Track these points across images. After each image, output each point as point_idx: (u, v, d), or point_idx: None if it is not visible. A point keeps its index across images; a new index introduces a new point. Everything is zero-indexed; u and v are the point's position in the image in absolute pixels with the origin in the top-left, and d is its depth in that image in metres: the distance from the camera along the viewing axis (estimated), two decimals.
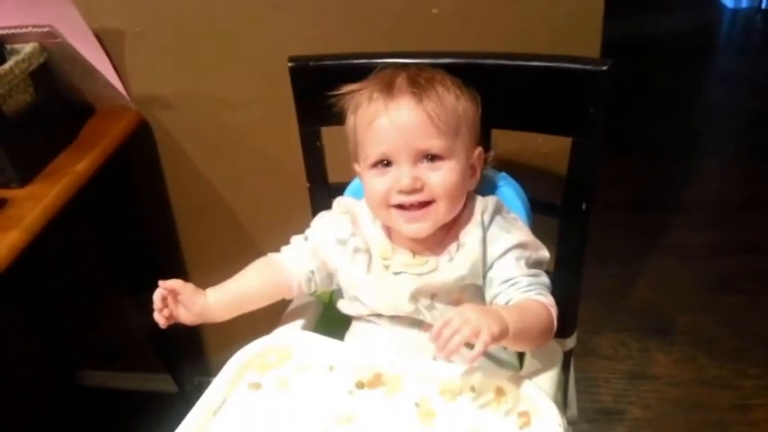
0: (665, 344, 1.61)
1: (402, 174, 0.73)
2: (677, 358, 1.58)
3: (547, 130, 0.82)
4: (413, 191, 0.73)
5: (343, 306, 0.84)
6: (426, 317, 0.77)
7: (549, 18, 0.97)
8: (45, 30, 1.02)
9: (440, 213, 0.75)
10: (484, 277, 0.77)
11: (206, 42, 1.12)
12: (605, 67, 0.77)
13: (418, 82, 0.74)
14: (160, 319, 0.79)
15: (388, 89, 0.74)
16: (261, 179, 1.23)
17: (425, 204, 0.75)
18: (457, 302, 0.77)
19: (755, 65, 3.06)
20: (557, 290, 0.92)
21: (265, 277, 0.83)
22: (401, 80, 0.75)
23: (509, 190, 0.85)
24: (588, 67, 0.78)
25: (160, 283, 0.79)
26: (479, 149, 0.79)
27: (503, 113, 0.86)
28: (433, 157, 0.74)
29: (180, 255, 1.37)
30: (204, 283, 1.42)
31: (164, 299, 0.79)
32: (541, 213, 0.88)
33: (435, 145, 0.73)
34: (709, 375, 1.53)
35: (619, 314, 1.71)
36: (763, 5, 3.53)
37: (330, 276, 0.84)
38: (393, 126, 0.73)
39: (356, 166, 0.81)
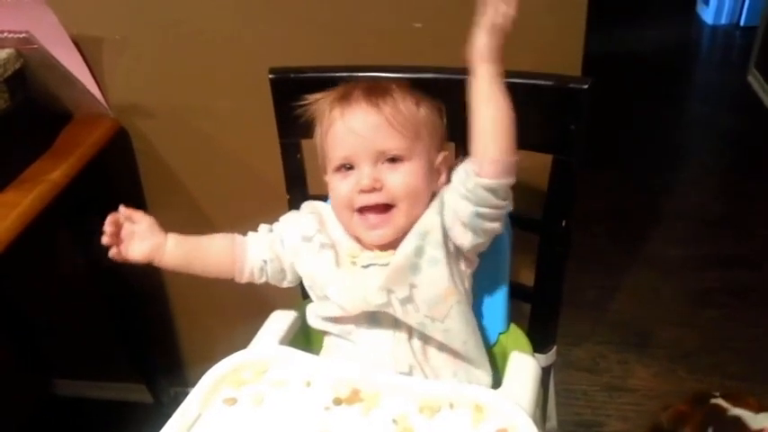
0: (644, 357, 1.63)
1: (362, 175, 0.75)
2: (656, 371, 1.59)
3: (527, 146, 0.82)
4: (372, 190, 0.75)
5: (314, 321, 0.83)
6: (398, 311, 0.76)
7: (531, 35, 0.97)
8: (22, 35, 1.00)
9: (400, 218, 0.76)
10: (443, 224, 0.77)
11: (186, 51, 1.11)
12: (586, 86, 0.77)
13: (375, 89, 0.77)
14: (110, 244, 0.81)
15: (346, 97, 0.77)
16: (240, 189, 1.22)
17: (385, 210, 0.76)
18: (441, 292, 0.76)
19: (735, 80, 3.11)
20: (536, 305, 0.92)
21: (225, 249, 0.85)
22: (358, 89, 0.78)
23: None
24: (569, 86, 0.78)
25: (120, 207, 0.82)
26: (445, 153, 0.80)
27: None
28: (393, 159, 0.76)
29: (156, 266, 1.35)
30: (183, 294, 1.41)
31: (116, 223, 0.81)
32: (522, 229, 0.88)
33: (393, 146, 0.75)
34: (687, 388, 1.53)
35: (599, 327, 1.72)
36: (742, 22, 3.60)
37: (282, 272, 0.85)
38: (351, 131, 0.75)
39: (325, 177, 0.83)
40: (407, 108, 0.77)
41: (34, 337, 1.56)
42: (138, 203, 1.27)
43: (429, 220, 0.76)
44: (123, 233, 0.82)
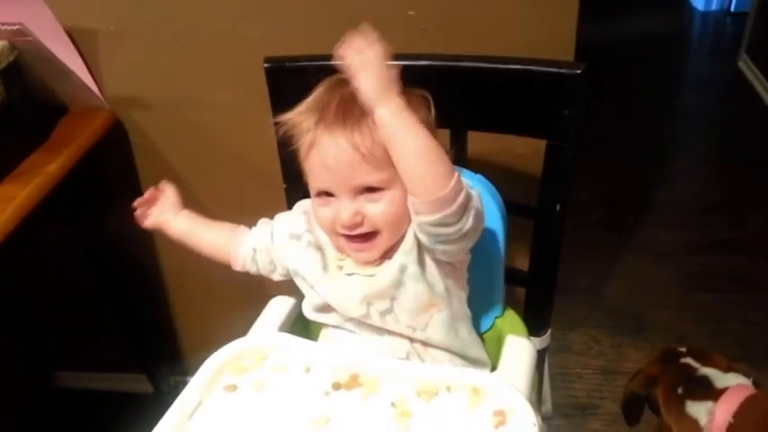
0: (638, 340, 1.64)
1: (342, 208, 0.73)
2: (650, 354, 1.60)
3: (522, 132, 0.83)
4: (353, 226, 0.73)
5: (310, 314, 0.84)
6: (377, 321, 0.77)
7: (525, 21, 0.98)
8: (15, 27, 1.00)
9: (384, 242, 0.75)
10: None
11: (181, 42, 1.11)
12: (579, 71, 0.78)
13: (351, 112, 0.71)
14: (139, 206, 0.90)
15: (321, 120, 0.72)
16: (237, 180, 1.23)
17: (369, 236, 0.74)
18: (421, 304, 0.76)
19: (725, 66, 3.12)
20: (531, 289, 0.94)
21: (224, 236, 0.89)
22: (334, 110, 0.72)
23: (484, 192, 0.85)
24: (562, 71, 0.79)
25: (162, 182, 0.91)
26: None
27: (478, 116, 0.87)
28: (372, 189, 0.73)
29: (154, 256, 1.36)
30: (181, 284, 1.41)
31: (155, 196, 0.90)
32: (517, 215, 0.89)
33: (372, 179, 0.72)
34: None
35: (593, 311, 1.73)
36: (732, 8, 3.61)
37: (272, 264, 0.87)
38: (326, 166, 0.72)
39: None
40: None
41: (34, 331, 1.56)
42: (135, 195, 1.27)
43: (410, 237, 0.75)
44: (157, 203, 0.90)
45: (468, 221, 0.70)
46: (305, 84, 0.79)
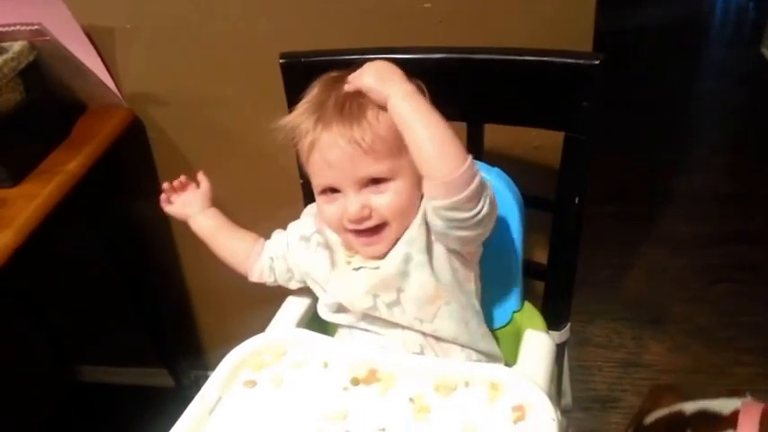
0: (658, 333, 1.63)
1: (348, 203, 0.73)
2: (670, 346, 1.59)
3: (539, 124, 0.82)
4: (361, 219, 0.73)
5: (325, 314, 0.84)
6: (383, 313, 0.77)
7: (542, 12, 0.97)
8: (34, 28, 1.01)
9: (392, 233, 0.75)
10: (428, 231, 0.75)
11: (197, 38, 1.11)
12: (598, 62, 0.76)
13: (349, 109, 0.72)
14: (167, 191, 0.93)
15: (320, 120, 0.73)
16: (254, 176, 1.23)
17: (377, 228, 0.75)
18: (428, 296, 0.76)
19: (746, 55, 3.07)
20: (550, 282, 0.93)
21: (247, 246, 0.90)
22: (331, 108, 0.73)
23: (501, 185, 0.85)
24: (581, 62, 0.77)
25: (200, 174, 0.94)
26: None
27: (495, 108, 0.86)
28: (377, 180, 0.73)
29: (174, 251, 1.37)
30: (199, 280, 1.42)
31: (184, 184, 0.92)
32: (534, 208, 0.88)
33: (376, 171, 0.72)
34: (703, 363, 1.54)
35: (612, 304, 1.72)
36: None
37: (289, 271, 0.87)
38: (328, 163, 0.72)
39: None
40: (385, 124, 0.71)
41: (56, 326, 1.58)
42: (154, 192, 1.28)
43: (416, 226, 0.75)
44: (185, 192, 0.92)
45: (485, 207, 0.70)
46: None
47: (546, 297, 0.93)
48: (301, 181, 0.97)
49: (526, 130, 0.87)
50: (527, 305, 0.90)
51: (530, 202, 0.88)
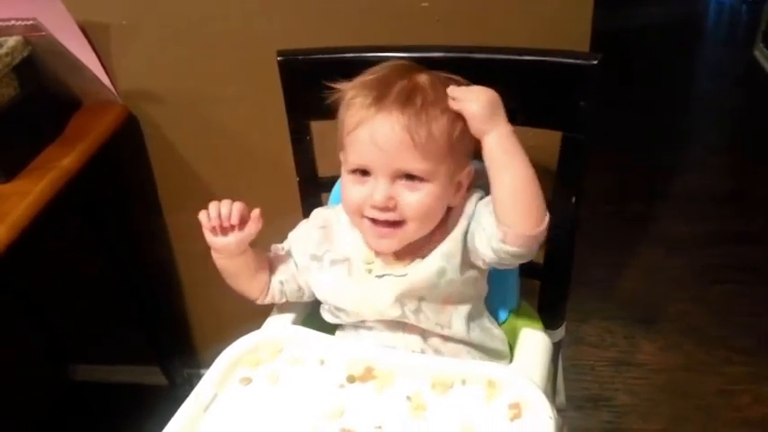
0: (651, 332, 1.64)
1: (378, 189, 0.72)
2: (663, 346, 1.60)
3: (537, 124, 0.82)
4: (385, 209, 0.72)
5: (327, 316, 0.84)
6: (411, 319, 0.77)
7: (540, 12, 0.97)
8: (29, 23, 1.00)
9: (408, 234, 0.74)
10: (465, 248, 0.76)
11: (193, 35, 1.11)
12: (596, 62, 0.77)
13: (413, 100, 0.71)
14: (213, 218, 0.78)
15: (380, 100, 0.71)
16: (250, 173, 1.23)
17: (395, 224, 0.73)
18: (445, 302, 0.77)
19: (741, 56, 3.09)
20: (546, 282, 0.93)
21: (262, 283, 0.84)
22: (396, 92, 0.71)
23: None
24: (578, 62, 0.78)
25: (255, 211, 0.79)
26: (469, 168, 0.77)
27: None
28: (412, 177, 0.72)
29: (169, 249, 1.36)
30: (195, 276, 1.42)
31: (242, 220, 0.78)
32: None
33: (416, 168, 0.71)
34: (696, 362, 1.55)
35: (606, 303, 1.73)
36: None
37: (300, 290, 0.85)
38: (374, 142, 0.70)
39: (341, 155, 0.78)
40: (441, 128, 0.71)
41: (49, 324, 1.58)
42: (149, 189, 1.28)
43: (455, 243, 0.75)
44: (240, 228, 0.79)
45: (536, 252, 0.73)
46: (318, 77, 0.79)
47: (542, 297, 0.93)
48: (298, 179, 0.97)
49: (522, 129, 0.87)
50: (524, 305, 0.91)
51: None
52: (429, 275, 0.75)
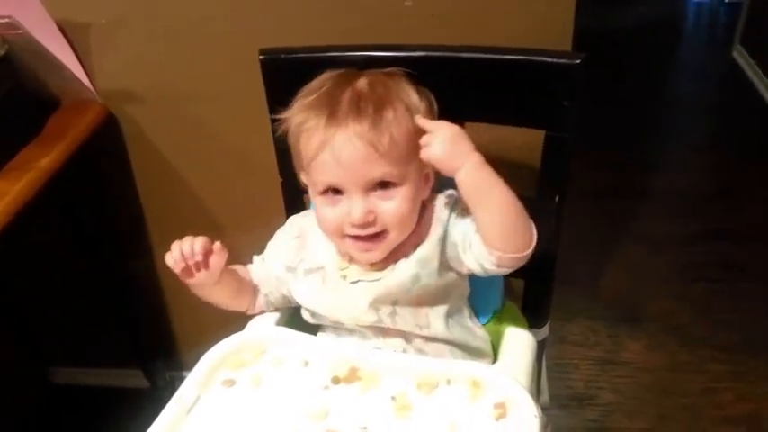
0: (635, 331, 1.65)
1: (353, 206, 0.71)
2: (647, 344, 1.61)
3: (520, 123, 0.82)
4: (365, 224, 0.71)
5: (308, 316, 0.84)
6: (387, 323, 0.77)
7: (523, 11, 0.97)
8: (5, 21, 0.98)
9: (391, 242, 0.74)
10: (443, 255, 0.75)
11: (174, 34, 1.10)
12: (578, 61, 0.77)
13: (365, 110, 0.69)
14: (177, 260, 0.76)
15: (333, 116, 0.69)
16: (232, 173, 1.22)
17: (378, 236, 0.73)
18: (419, 304, 0.76)
19: (719, 56, 3.13)
20: (530, 282, 0.93)
21: (247, 300, 0.85)
22: (346, 105, 0.70)
23: None
24: (561, 61, 0.78)
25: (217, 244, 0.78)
26: None
27: (475, 107, 0.86)
28: (385, 185, 0.71)
29: (150, 250, 1.35)
30: (176, 281, 1.40)
31: (207, 253, 0.77)
32: None
33: (387, 173, 0.70)
34: (679, 361, 1.56)
35: (590, 302, 1.73)
36: None
37: (285, 298, 0.85)
38: (339, 162, 0.69)
39: (302, 178, 0.78)
40: (400, 128, 0.70)
41: (29, 327, 1.55)
42: (130, 189, 1.26)
43: (431, 249, 0.74)
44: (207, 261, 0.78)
45: None
46: (301, 75, 0.79)
47: (526, 296, 0.94)
48: (281, 179, 0.96)
49: (506, 129, 0.87)
50: (508, 304, 0.91)
51: None
52: (403, 281, 0.74)
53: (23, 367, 1.59)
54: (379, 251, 0.74)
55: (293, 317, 0.89)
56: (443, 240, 0.75)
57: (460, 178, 0.69)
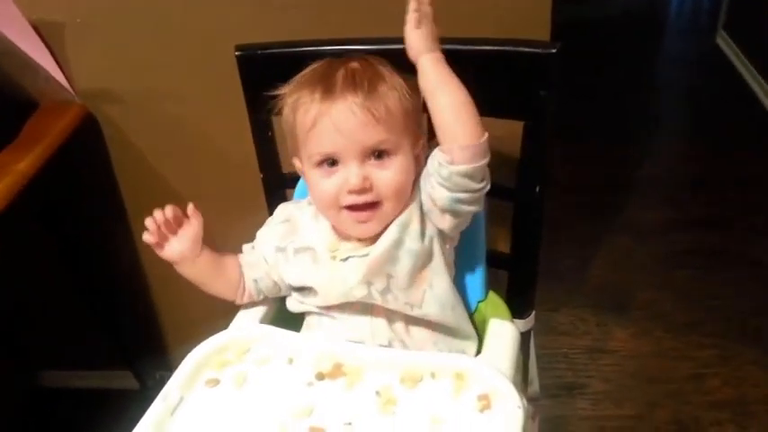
0: (622, 319, 1.65)
1: (350, 173, 0.73)
2: (634, 332, 1.62)
3: (498, 114, 0.82)
4: (362, 190, 0.73)
5: (293, 305, 0.84)
6: (378, 300, 0.77)
7: (499, 1, 0.97)
8: None
9: (387, 213, 0.75)
10: (422, 214, 0.77)
11: (151, 32, 1.09)
12: (555, 50, 0.77)
13: (360, 83, 0.73)
14: (153, 232, 0.80)
15: (329, 89, 0.72)
16: (213, 171, 1.21)
17: (373, 205, 0.74)
18: (413, 277, 0.76)
19: (703, 43, 3.14)
20: (514, 271, 0.93)
21: (234, 280, 0.85)
22: (341, 80, 0.73)
23: None
24: (538, 51, 0.78)
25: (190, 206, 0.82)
26: (423, 140, 0.79)
27: None
28: (380, 154, 0.73)
29: (134, 249, 1.34)
30: (162, 276, 1.40)
31: (176, 218, 0.80)
32: (496, 197, 0.88)
33: (383, 140, 0.73)
34: (666, 348, 1.57)
35: (577, 292, 1.74)
36: None
37: (276, 286, 0.85)
38: (338, 129, 0.71)
39: (296, 161, 0.80)
40: (394, 100, 0.73)
41: (14, 331, 1.54)
42: (110, 190, 1.25)
43: (410, 211, 0.76)
44: (166, 230, 0.81)
45: (489, 183, 0.75)
46: (277, 71, 0.78)
47: (510, 286, 0.94)
48: (261, 175, 0.96)
49: (485, 120, 0.87)
50: (491, 294, 0.91)
51: (491, 192, 0.87)
52: (386, 247, 0.75)
53: (10, 372, 1.58)
54: (374, 222, 0.75)
55: (278, 313, 0.89)
56: (418, 195, 0.77)
57: (427, 61, 0.74)
